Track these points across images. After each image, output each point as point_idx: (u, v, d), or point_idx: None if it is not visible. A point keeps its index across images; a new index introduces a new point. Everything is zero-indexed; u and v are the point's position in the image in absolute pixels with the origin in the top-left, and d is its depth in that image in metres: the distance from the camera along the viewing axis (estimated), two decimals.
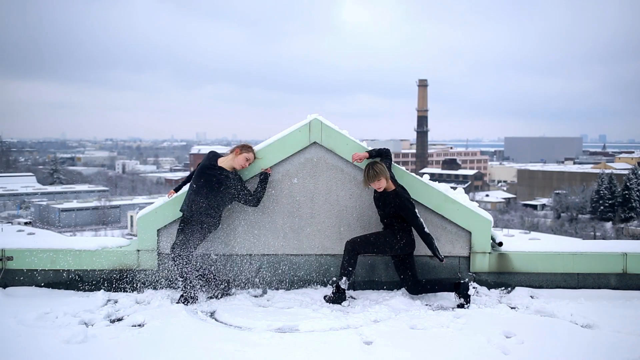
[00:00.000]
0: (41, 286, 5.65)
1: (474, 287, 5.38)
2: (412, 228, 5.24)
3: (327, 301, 5.25)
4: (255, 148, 5.67)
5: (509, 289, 5.68)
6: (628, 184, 67.49)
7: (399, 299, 5.29)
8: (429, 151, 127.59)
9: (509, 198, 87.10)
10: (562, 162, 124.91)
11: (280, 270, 5.72)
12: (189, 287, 5.22)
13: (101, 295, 5.40)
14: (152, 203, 5.86)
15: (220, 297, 5.39)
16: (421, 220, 5.20)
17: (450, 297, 5.36)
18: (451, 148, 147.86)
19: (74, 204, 68.97)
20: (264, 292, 5.62)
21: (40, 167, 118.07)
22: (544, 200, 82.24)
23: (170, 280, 5.67)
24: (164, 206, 5.64)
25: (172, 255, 5.23)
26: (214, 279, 5.45)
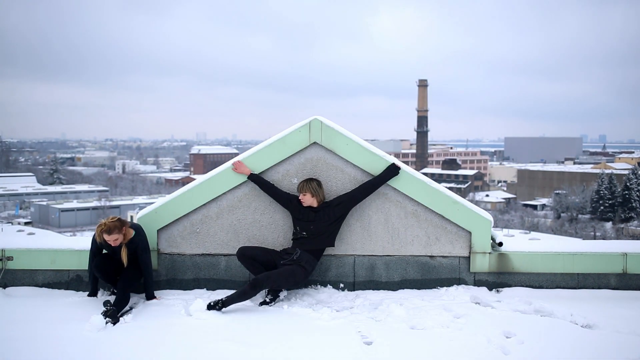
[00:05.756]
0: (41, 286, 5.65)
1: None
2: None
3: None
4: (255, 148, 5.68)
5: (509, 289, 5.68)
6: (628, 184, 67.50)
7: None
8: (429, 151, 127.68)
9: (509, 198, 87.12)
10: (562, 162, 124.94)
11: None
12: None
13: (101, 295, 5.39)
14: (152, 203, 5.86)
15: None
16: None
17: (452, 297, 5.37)
18: (451, 148, 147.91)
19: (74, 204, 68.97)
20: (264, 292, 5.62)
21: (40, 167, 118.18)
22: (544, 201, 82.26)
23: (169, 280, 5.68)
24: (164, 206, 5.64)
25: None
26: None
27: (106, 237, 5.06)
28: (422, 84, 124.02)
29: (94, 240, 5.22)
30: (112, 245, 5.10)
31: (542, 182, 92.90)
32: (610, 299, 5.43)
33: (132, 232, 5.24)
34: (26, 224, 58.49)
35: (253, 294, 5.04)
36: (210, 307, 4.91)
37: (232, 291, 5.59)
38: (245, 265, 5.38)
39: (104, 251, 5.29)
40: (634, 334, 4.49)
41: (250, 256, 5.34)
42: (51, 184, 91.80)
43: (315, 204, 5.36)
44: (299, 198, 5.37)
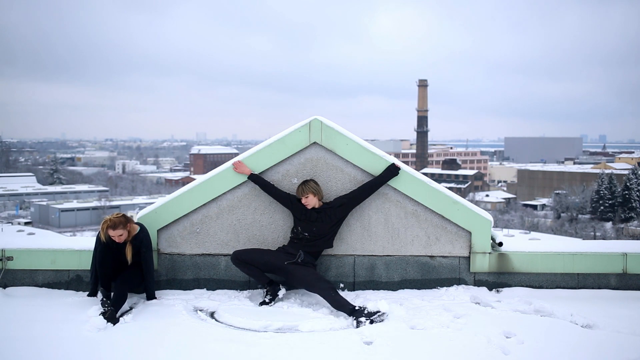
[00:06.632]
0: (41, 286, 5.65)
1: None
2: None
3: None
4: (255, 149, 5.68)
5: (509, 289, 5.68)
6: (628, 184, 67.48)
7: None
8: (429, 151, 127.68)
9: (509, 198, 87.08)
10: (562, 162, 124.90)
11: None
12: None
13: (101, 295, 5.39)
14: (152, 203, 5.86)
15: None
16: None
17: (453, 297, 5.37)
18: (451, 148, 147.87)
19: (74, 204, 68.94)
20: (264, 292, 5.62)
21: (40, 167, 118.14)
22: (544, 200, 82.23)
23: (169, 280, 5.68)
24: (164, 206, 5.64)
25: None
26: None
27: (111, 232, 5.06)
28: (422, 84, 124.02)
29: (97, 240, 5.22)
30: (117, 241, 5.10)
31: (542, 182, 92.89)
32: (610, 299, 5.43)
33: (136, 228, 5.24)
34: (26, 224, 58.49)
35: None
36: (354, 313, 4.84)
37: (231, 291, 5.61)
38: (241, 269, 5.34)
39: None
40: (634, 334, 4.49)
41: (244, 260, 5.30)
42: (51, 184, 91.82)
43: (317, 204, 5.36)
44: (303, 202, 5.36)
